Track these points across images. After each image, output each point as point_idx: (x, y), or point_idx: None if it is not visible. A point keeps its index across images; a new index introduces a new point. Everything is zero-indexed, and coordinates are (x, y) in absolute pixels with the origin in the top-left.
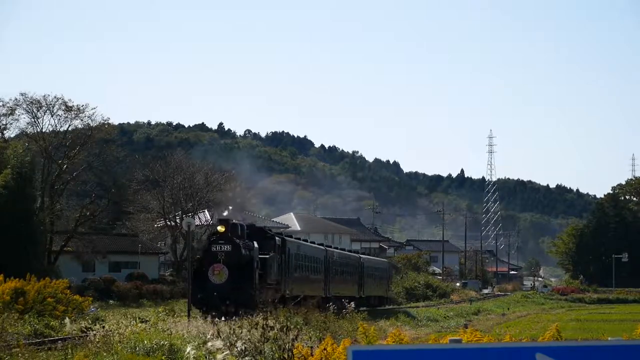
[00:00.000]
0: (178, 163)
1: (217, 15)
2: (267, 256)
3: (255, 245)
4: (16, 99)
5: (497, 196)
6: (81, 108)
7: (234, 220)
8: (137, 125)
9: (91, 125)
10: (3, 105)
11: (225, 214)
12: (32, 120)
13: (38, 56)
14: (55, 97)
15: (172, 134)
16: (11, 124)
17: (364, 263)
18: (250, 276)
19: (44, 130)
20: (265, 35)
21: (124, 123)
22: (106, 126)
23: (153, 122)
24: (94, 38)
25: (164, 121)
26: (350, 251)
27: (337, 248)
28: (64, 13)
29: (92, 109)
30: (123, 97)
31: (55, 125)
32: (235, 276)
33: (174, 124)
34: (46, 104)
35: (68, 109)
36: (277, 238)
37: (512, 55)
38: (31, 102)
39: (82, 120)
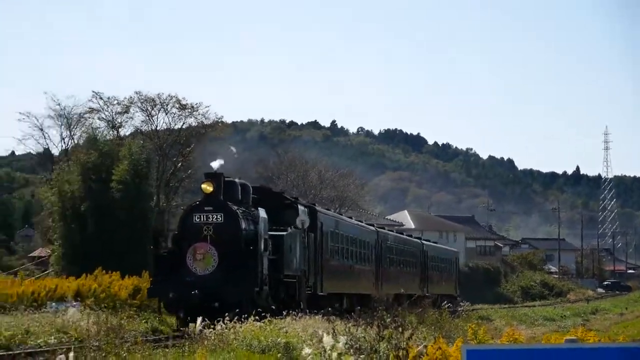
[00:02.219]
0: (291, 160)
1: (328, 13)
2: (284, 233)
3: (263, 215)
4: (131, 97)
5: (614, 193)
6: (195, 106)
7: (232, 179)
8: (251, 123)
9: (205, 123)
10: (118, 103)
11: (215, 164)
12: (147, 118)
13: (154, 56)
14: (169, 95)
15: (285, 132)
16: (126, 121)
17: (428, 251)
18: (252, 264)
19: (158, 128)
20: (382, 34)
21: (237, 121)
22: (220, 124)
23: (266, 120)
24: (208, 38)
25: (277, 119)
26: (410, 236)
27: (392, 230)
28: (183, 14)
29: (206, 107)
30: (236, 96)
31: (170, 123)
32: (229, 263)
33: (287, 121)
34: (160, 102)
35: (182, 107)
36: (300, 207)
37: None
38: (145, 100)
39: (195, 118)
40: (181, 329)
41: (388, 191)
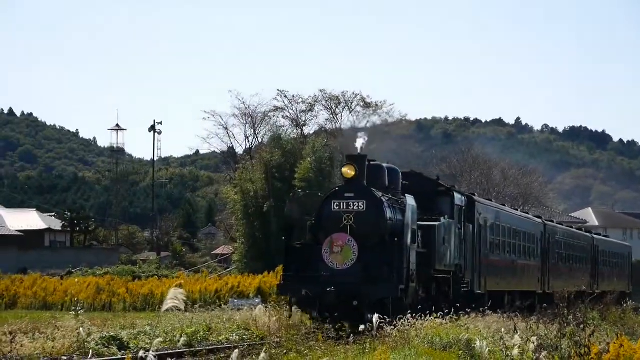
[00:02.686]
0: (475, 158)
1: (522, 14)
2: (437, 223)
3: (412, 202)
4: (315, 96)
5: None
6: (379, 104)
7: (376, 162)
8: (434, 120)
9: (389, 121)
10: (303, 102)
11: (359, 144)
12: (331, 116)
13: (337, 55)
14: (353, 93)
15: (469, 130)
16: (310, 120)
17: (599, 246)
18: (398, 258)
19: (342, 127)
20: (574, 34)
21: (421, 119)
22: (404, 122)
23: (450, 118)
24: (395, 40)
25: (461, 116)
26: (579, 229)
27: (560, 224)
28: (366, 10)
29: (390, 105)
30: (420, 93)
31: (354, 122)
32: (370, 257)
33: (471, 119)
34: (344, 100)
35: (366, 105)
36: (456, 195)
37: None
38: (330, 98)
39: (379, 116)
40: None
41: (572, 189)
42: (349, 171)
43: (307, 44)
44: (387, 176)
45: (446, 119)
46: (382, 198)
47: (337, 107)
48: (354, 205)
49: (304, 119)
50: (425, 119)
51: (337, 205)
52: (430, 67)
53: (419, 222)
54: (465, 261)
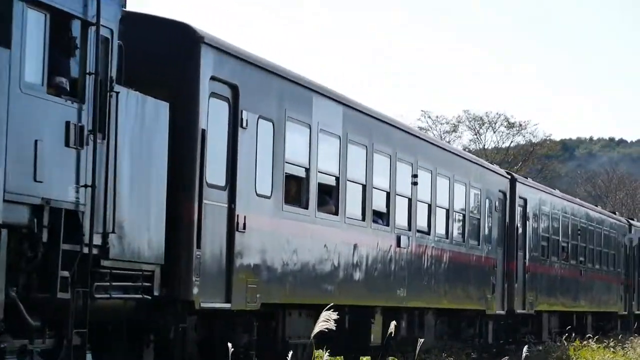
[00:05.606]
0: (620, 179)
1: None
2: None
3: None
4: (459, 116)
5: None
6: (523, 124)
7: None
8: (579, 141)
9: (533, 141)
10: (447, 122)
11: None
12: (475, 137)
13: (487, 77)
14: (497, 113)
15: (614, 150)
16: (454, 140)
17: None
18: None
19: (486, 147)
20: None
21: (565, 139)
22: (548, 142)
23: (595, 138)
24: (537, 59)
25: (606, 137)
26: None
27: None
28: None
29: (534, 125)
30: (565, 113)
31: (497, 142)
32: None
33: (617, 139)
34: (488, 121)
35: (510, 125)
36: None
37: None
38: (474, 118)
39: (524, 136)
40: None
41: None
42: None
43: (449, 65)
44: None
45: (591, 139)
46: None
47: (480, 128)
48: None
49: (448, 140)
50: (570, 139)
51: None
52: (571, 86)
53: None
54: None
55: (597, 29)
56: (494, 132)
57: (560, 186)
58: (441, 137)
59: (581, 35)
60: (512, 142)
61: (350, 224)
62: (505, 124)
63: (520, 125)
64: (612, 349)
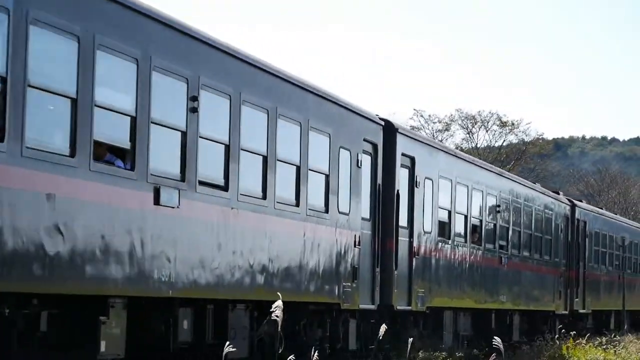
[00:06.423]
0: (613, 177)
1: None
2: None
3: None
4: (451, 115)
5: None
6: (515, 123)
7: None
8: (571, 139)
9: (525, 140)
10: (439, 121)
11: None
12: (467, 135)
13: (475, 72)
14: (490, 112)
15: (606, 148)
16: (447, 139)
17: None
18: None
19: (478, 146)
20: None
21: (558, 138)
22: (540, 141)
23: (587, 137)
24: (529, 58)
25: (599, 135)
26: None
27: None
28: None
29: (527, 124)
30: (558, 112)
31: (490, 141)
32: None
33: (609, 138)
34: (481, 120)
35: (502, 124)
36: None
37: None
38: (466, 117)
39: (516, 135)
40: None
41: None
42: None
43: (443, 64)
44: None
45: (583, 137)
46: None
47: (473, 127)
48: None
49: (440, 139)
50: (562, 137)
51: None
52: (567, 86)
53: None
54: None
55: (590, 28)
56: (487, 131)
57: (552, 185)
58: (433, 136)
59: (574, 35)
60: (504, 141)
61: None
62: (498, 122)
63: (513, 124)
64: (603, 348)
